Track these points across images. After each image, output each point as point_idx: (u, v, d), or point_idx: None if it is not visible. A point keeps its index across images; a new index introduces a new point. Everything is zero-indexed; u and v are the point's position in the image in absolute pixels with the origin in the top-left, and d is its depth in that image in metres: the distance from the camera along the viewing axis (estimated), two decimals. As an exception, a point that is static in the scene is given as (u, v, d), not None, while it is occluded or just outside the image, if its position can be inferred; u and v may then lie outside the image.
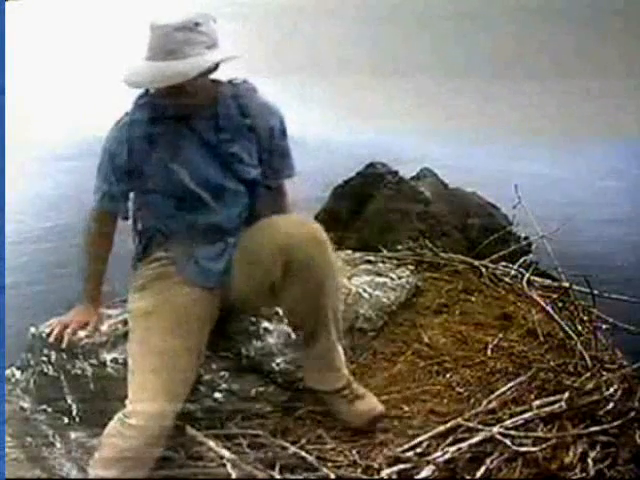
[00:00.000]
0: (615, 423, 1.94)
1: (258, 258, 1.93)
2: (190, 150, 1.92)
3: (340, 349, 1.97)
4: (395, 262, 2.81)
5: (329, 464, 1.78)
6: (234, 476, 1.76)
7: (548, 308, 2.54)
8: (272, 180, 2.05)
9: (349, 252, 2.89)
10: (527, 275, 2.84)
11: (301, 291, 1.88)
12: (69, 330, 2.02)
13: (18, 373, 2.16)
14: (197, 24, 1.80)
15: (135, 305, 1.95)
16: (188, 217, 1.95)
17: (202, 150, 1.93)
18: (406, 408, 2.00)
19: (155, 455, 1.75)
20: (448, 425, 1.85)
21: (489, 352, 2.26)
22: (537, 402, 1.97)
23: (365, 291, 2.39)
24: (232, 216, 1.97)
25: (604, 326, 2.56)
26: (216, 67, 1.86)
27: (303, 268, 1.86)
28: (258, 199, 2.02)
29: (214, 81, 1.92)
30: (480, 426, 1.85)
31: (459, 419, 1.87)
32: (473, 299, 2.64)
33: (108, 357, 1.99)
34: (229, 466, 1.76)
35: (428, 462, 1.74)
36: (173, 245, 1.98)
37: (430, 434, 1.83)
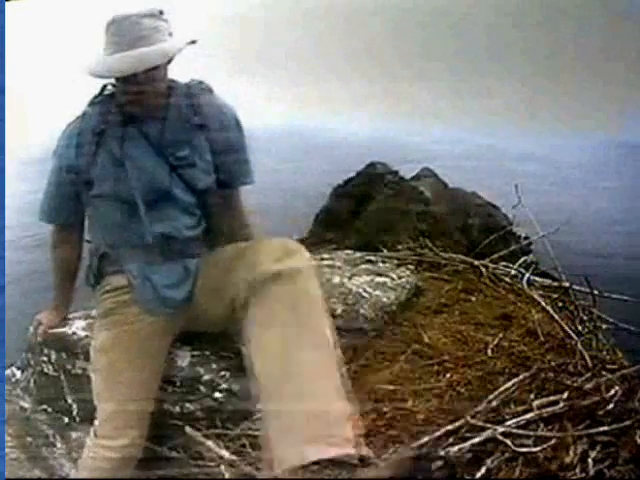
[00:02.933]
0: (616, 425, 1.94)
1: (224, 287, 1.84)
2: (138, 153, 1.85)
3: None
4: (395, 262, 2.81)
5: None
6: (233, 476, 1.76)
7: (548, 308, 2.54)
8: (227, 186, 1.96)
9: (349, 252, 2.89)
10: (527, 275, 2.83)
11: None
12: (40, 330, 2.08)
13: (18, 373, 2.17)
14: (161, 12, 1.78)
15: (97, 337, 1.93)
16: (135, 227, 1.87)
17: (150, 153, 1.85)
18: (410, 402, 2.00)
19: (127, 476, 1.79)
20: (457, 424, 1.85)
21: (489, 352, 2.26)
22: (537, 402, 1.97)
23: (365, 291, 2.39)
24: (180, 227, 1.89)
25: (604, 326, 2.56)
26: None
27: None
28: (213, 211, 1.94)
29: (169, 80, 1.87)
30: (487, 424, 1.84)
31: (468, 417, 1.87)
32: (473, 299, 2.64)
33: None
34: (223, 468, 1.76)
35: (433, 459, 1.75)
36: (127, 264, 1.91)
37: (437, 434, 1.83)
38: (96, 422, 1.83)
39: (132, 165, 1.84)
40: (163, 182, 1.85)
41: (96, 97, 1.90)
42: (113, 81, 1.86)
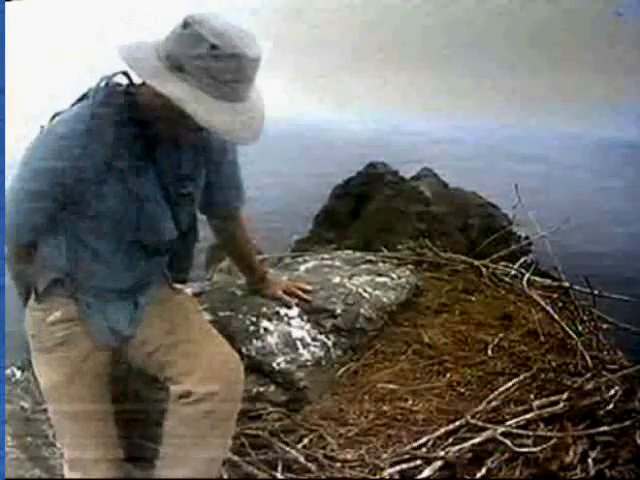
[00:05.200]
0: (616, 425, 1.94)
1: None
2: (144, 185, 1.63)
3: None
4: (395, 262, 2.80)
5: (337, 464, 1.78)
6: (235, 476, 1.76)
7: (548, 308, 2.54)
8: (220, 209, 1.89)
9: (349, 252, 2.88)
10: (527, 275, 2.83)
11: None
12: None
13: (18, 373, 2.17)
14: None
15: (45, 375, 1.77)
16: (115, 267, 1.70)
17: (162, 193, 1.66)
18: (410, 401, 2.00)
19: None
20: (457, 423, 1.86)
21: (489, 352, 2.26)
22: (537, 402, 1.97)
23: (365, 291, 2.38)
24: (152, 271, 1.78)
25: (604, 326, 2.56)
26: None
27: None
28: (188, 249, 1.84)
29: None
30: (487, 424, 1.85)
31: (468, 417, 1.87)
32: (473, 299, 2.64)
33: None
34: (223, 468, 1.76)
35: (433, 459, 1.75)
36: (83, 295, 1.73)
37: (437, 433, 1.83)
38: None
39: (148, 208, 1.65)
40: (172, 231, 1.72)
41: (104, 90, 1.57)
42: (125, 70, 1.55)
